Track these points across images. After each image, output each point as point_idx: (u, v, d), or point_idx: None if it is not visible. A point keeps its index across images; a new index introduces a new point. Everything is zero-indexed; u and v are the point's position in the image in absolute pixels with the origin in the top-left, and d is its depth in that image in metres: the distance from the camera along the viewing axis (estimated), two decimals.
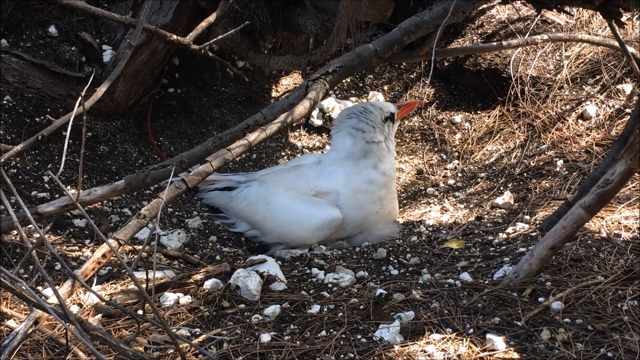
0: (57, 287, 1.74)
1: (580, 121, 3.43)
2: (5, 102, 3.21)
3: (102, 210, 2.99)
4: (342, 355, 2.00)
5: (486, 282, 2.36)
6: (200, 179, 2.38)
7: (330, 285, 2.46)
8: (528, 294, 2.22)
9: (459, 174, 3.57)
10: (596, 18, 3.79)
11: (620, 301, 2.15)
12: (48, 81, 3.30)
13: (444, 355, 1.98)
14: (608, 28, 3.51)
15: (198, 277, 2.46)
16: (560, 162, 3.22)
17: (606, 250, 2.43)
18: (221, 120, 3.80)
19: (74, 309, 2.28)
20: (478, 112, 3.82)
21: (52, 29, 3.45)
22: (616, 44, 3.23)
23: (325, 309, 2.26)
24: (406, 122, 3.92)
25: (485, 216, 3.05)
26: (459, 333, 2.05)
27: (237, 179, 3.27)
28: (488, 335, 2.02)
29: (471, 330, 2.06)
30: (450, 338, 2.03)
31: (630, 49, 3.28)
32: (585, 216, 2.27)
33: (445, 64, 3.98)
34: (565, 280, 2.27)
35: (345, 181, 3.00)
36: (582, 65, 3.65)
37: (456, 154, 3.70)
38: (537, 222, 2.81)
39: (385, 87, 4.04)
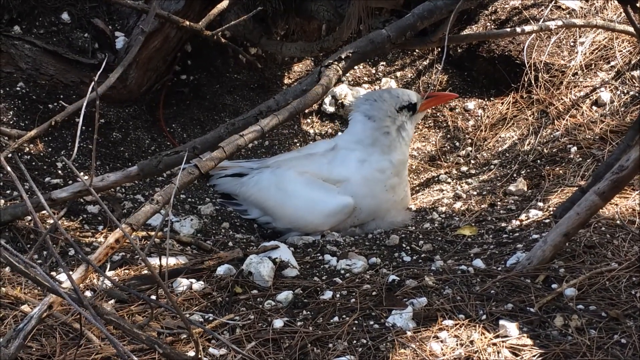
0: (70, 272, 1.75)
1: (594, 108, 3.40)
2: (18, 88, 3.22)
3: (115, 197, 3.00)
4: (354, 341, 2.01)
5: (499, 268, 2.36)
6: (212, 165, 2.39)
7: (342, 272, 2.46)
8: (541, 281, 2.22)
9: (472, 161, 3.55)
10: (611, 4, 3.75)
11: (634, 288, 2.14)
12: (61, 68, 3.30)
13: (457, 341, 1.98)
14: (623, 14, 3.48)
15: (211, 263, 2.47)
16: (574, 149, 3.20)
17: (620, 237, 2.41)
18: (233, 107, 3.80)
19: (88, 294, 2.30)
20: (491, 98, 3.80)
21: (65, 16, 3.46)
22: (631, 30, 3.20)
23: (338, 295, 2.27)
24: None
25: (498, 203, 3.04)
26: (471, 319, 2.05)
27: (249, 165, 3.27)
28: (501, 322, 2.01)
29: (484, 317, 2.06)
30: (463, 324, 2.03)
31: None
32: (600, 202, 2.25)
33: (459, 50, 3.96)
34: (578, 267, 2.26)
35: (357, 168, 2.99)
36: (596, 51, 3.62)
37: (469, 140, 3.68)
38: (551, 209, 2.79)
39: (398, 74, 4.02)
